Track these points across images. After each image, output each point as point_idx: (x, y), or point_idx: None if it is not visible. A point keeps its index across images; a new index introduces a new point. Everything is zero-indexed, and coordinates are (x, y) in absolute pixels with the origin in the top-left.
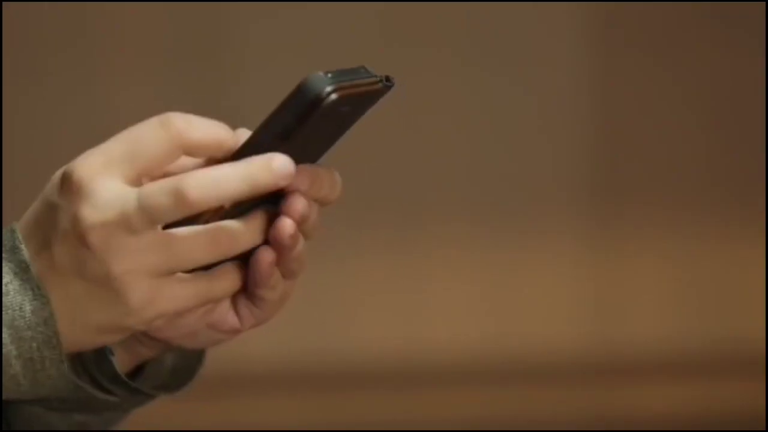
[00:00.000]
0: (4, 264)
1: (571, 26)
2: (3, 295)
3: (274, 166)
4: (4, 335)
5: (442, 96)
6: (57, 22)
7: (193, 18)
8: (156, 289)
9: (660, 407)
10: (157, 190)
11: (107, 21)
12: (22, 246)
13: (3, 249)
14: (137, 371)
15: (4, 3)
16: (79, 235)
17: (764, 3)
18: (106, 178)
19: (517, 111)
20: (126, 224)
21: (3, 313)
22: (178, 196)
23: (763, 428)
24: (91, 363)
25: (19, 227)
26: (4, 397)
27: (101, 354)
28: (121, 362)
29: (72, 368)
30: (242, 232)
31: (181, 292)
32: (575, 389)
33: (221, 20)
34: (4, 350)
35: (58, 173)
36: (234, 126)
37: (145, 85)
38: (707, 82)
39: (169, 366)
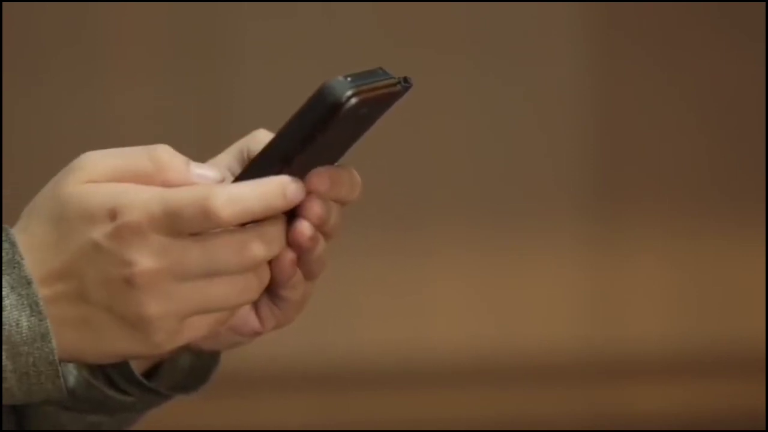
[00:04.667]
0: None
1: (572, 26)
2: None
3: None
4: None
5: (442, 96)
6: (57, 22)
7: (193, 18)
8: (181, 327)
9: (660, 407)
10: (224, 244)
11: (107, 21)
12: (24, 261)
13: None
14: (153, 371)
15: (4, 3)
16: (127, 277)
17: (764, 3)
18: (160, 227)
19: (517, 110)
20: (182, 273)
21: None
22: (244, 252)
23: (763, 428)
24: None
25: (20, 241)
26: None
27: None
28: (137, 362)
29: (87, 368)
30: (268, 272)
31: (201, 324)
32: (575, 389)
33: (221, 21)
34: None
35: (98, 205)
36: (234, 126)
37: (145, 85)
38: (707, 82)
39: (186, 366)
